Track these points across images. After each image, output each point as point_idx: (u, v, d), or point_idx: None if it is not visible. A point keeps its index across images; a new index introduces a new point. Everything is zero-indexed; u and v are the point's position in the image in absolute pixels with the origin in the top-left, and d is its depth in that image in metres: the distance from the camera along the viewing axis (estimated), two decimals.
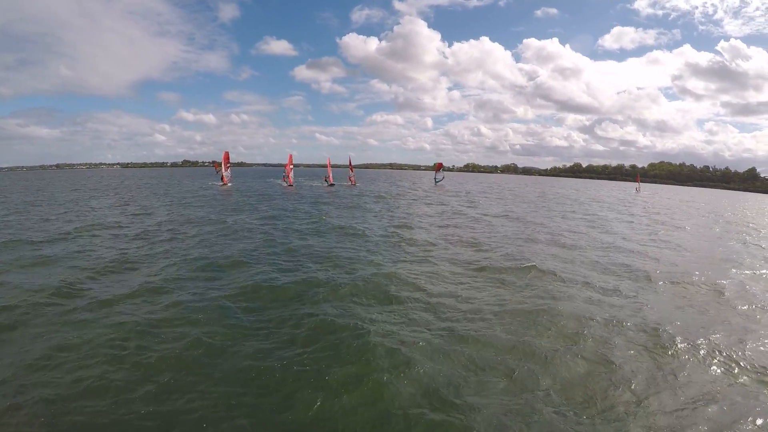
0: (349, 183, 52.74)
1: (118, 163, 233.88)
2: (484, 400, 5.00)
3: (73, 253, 11.56)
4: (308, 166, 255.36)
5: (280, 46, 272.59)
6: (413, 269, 10.58)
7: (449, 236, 15.92)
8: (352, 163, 55.11)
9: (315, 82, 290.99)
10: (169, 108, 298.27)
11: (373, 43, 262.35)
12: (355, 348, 6.06)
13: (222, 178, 48.47)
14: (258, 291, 8.52)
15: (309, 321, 6.97)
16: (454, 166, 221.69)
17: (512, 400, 5.05)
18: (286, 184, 48.43)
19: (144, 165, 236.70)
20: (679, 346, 6.58)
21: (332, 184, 49.04)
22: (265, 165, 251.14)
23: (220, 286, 8.84)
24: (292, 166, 50.48)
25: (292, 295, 8.31)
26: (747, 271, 12.05)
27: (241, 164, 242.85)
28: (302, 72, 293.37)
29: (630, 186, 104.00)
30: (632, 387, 5.44)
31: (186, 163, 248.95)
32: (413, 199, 33.97)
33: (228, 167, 49.44)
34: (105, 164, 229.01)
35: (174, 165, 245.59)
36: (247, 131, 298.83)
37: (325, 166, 60.82)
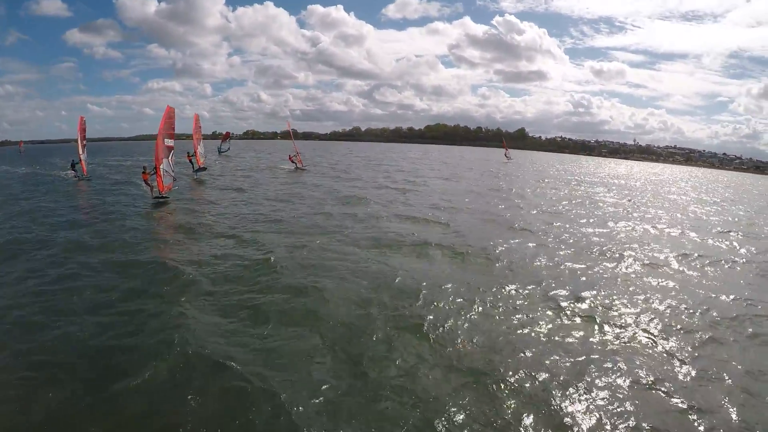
0: (293, 165, 35.60)
1: None
2: None
3: None
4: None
5: (52, 6, 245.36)
6: None
7: None
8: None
9: (88, 47, 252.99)
10: None
11: (152, 4, 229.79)
12: None
13: (81, 165, 28.61)
14: None
15: None
16: (234, 133, 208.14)
17: None
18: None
19: None
20: None
21: (202, 168, 30.07)
22: (33, 142, 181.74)
23: None
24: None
25: None
26: None
27: (5, 143, 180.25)
28: (75, 36, 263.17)
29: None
30: None
31: None
32: None
33: (84, 145, 28.61)
34: None
35: None
36: (11, 104, 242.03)
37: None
